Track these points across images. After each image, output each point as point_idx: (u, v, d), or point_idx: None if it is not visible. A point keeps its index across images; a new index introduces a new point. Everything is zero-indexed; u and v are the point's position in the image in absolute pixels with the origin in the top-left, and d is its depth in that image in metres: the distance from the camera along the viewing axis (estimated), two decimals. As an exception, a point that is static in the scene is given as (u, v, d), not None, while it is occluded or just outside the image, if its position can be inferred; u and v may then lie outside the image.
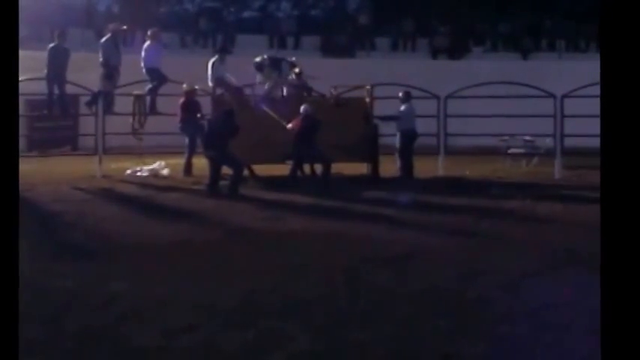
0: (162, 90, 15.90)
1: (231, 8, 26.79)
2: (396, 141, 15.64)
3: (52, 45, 15.31)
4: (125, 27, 17.64)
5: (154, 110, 15.92)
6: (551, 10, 27.21)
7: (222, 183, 13.54)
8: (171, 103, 15.85)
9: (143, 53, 15.74)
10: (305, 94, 15.93)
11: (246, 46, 21.93)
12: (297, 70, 15.98)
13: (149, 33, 16.32)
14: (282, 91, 15.67)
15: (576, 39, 26.77)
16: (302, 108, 14.43)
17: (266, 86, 15.49)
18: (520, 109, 15.50)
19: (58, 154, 18.30)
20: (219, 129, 13.61)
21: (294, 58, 16.57)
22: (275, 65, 15.57)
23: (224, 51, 16.12)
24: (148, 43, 15.97)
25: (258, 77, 15.56)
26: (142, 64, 15.69)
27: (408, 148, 15.47)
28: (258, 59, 15.61)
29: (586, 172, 15.45)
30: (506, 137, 17.92)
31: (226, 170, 13.61)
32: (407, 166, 15.41)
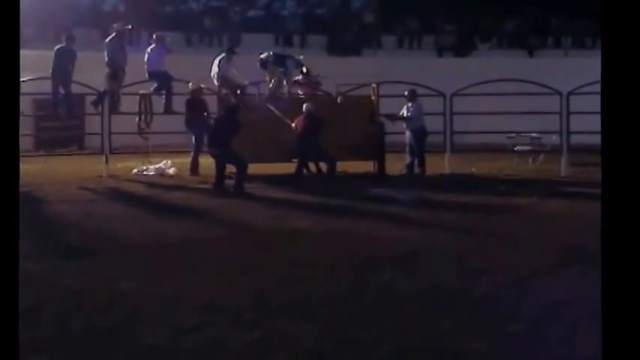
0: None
1: (236, 7, 26.76)
2: (406, 139, 15.63)
3: (58, 46, 15.35)
4: (130, 26, 17.66)
5: (169, 110, 15.91)
6: (557, 8, 27.14)
7: (228, 182, 13.56)
8: (177, 102, 15.87)
9: (146, 57, 15.76)
10: (313, 91, 15.91)
11: (252, 44, 21.92)
12: (304, 69, 15.99)
13: (153, 37, 16.33)
14: (288, 88, 15.66)
15: (582, 36, 26.71)
16: (304, 106, 14.43)
17: (270, 84, 15.50)
18: (526, 107, 15.46)
19: (65, 153, 18.34)
20: (222, 126, 13.64)
21: (301, 57, 16.58)
22: (280, 62, 15.57)
23: (230, 51, 16.08)
24: (151, 46, 15.98)
25: (266, 75, 15.58)
26: (145, 68, 15.70)
27: (420, 146, 15.46)
28: (263, 55, 15.63)
29: (592, 169, 15.42)
30: (512, 134, 17.89)
31: (232, 169, 13.63)
32: (419, 164, 15.42)
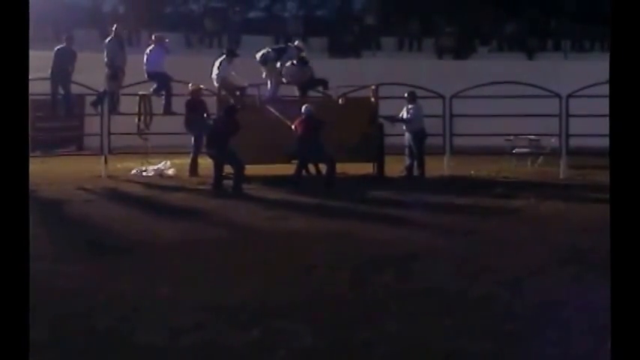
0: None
1: (236, 8, 26.79)
2: (406, 141, 15.63)
3: (59, 47, 15.37)
4: (129, 27, 17.67)
5: (168, 110, 15.90)
6: (556, 11, 27.18)
7: (227, 182, 13.57)
8: (176, 103, 15.88)
9: (145, 57, 15.77)
10: (302, 78, 15.84)
11: (252, 46, 21.94)
12: (303, 54, 15.95)
13: (152, 37, 16.35)
14: (287, 76, 15.61)
15: (581, 39, 26.74)
16: (303, 108, 14.43)
17: (270, 83, 15.49)
18: (525, 109, 15.48)
19: (64, 154, 18.35)
20: (220, 127, 13.66)
21: (297, 42, 16.55)
22: (279, 55, 15.55)
23: (231, 53, 16.04)
24: (150, 47, 15.99)
25: (265, 72, 15.57)
26: (145, 69, 15.71)
27: (419, 148, 15.47)
28: (263, 51, 15.60)
29: (591, 171, 15.45)
30: (511, 137, 17.90)
31: (230, 169, 13.64)
32: (418, 166, 15.42)
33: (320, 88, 16.20)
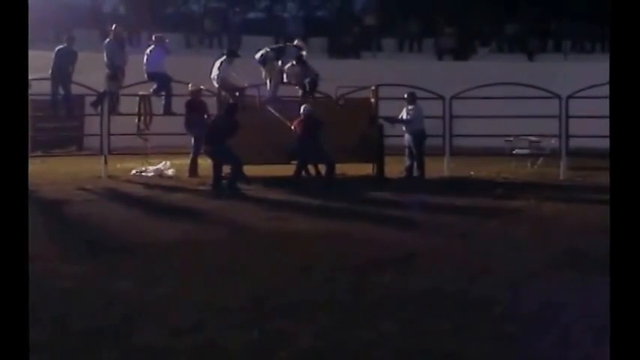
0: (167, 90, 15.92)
1: (236, 8, 26.82)
2: (405, 142, 15.63)
3: (59, 47, 15.38)
4: (129, 28, 17.67)
5: (168, 111, 15.89)
6: (557, 11, 27.18)
7: (226, 183, 13.57)
8: (176, 104, 15.89)
9: (145, 58, 15.76)
10: (303, 79, 15.79)
11: (252, 46, 21.94)
12: (303, 52, 15.91)
13: (152, 38, 16.35)
14: (287, 75, 15.58)
15: (582, 40, 26.74)
16: (302, 108, 14.43)
17: (269, 83, 15.47)
18: (525, 110, 15.48)
19: (64, 154, 18.35)
20: (218, 125, 13.67)
21: (296, 41, 16.54)
22: (279, 55, 15.52)
23: (232, 54, 16.01)
24: (150, 47, 15.99)
25: (264, 72, 15.56)
26: (145, 69, 15.70)
27: (419, 149, 15.46)
28: (262, 52, 15.58)
29: (591, 172, 15.46)
30: (511, 138, 17.91)
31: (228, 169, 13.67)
32: (418, 167, 15.41)
33: (307, 87, 16.00)
